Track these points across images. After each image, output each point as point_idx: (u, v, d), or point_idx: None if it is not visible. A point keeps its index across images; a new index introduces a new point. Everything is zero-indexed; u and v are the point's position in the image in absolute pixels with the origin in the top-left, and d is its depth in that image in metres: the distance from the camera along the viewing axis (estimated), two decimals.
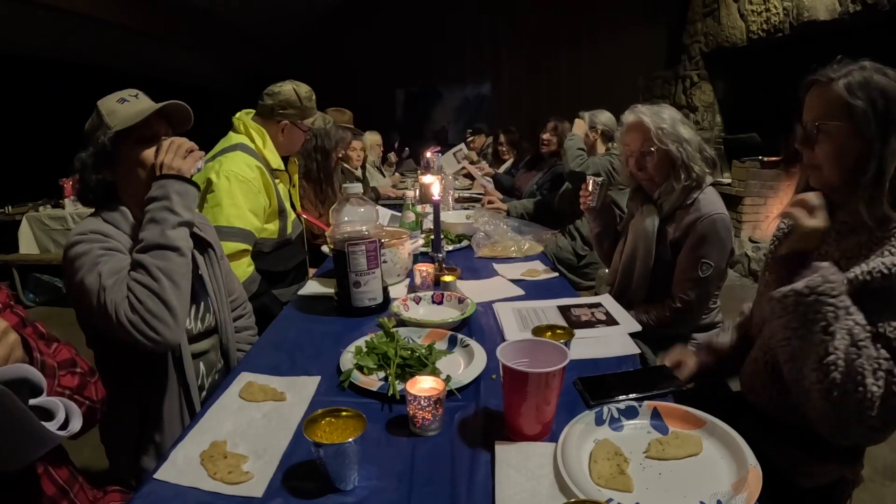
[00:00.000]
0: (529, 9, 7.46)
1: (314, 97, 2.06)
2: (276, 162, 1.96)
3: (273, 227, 1.96)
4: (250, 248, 1.82)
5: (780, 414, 1.15)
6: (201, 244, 1.39)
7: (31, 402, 0.77)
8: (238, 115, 1.99)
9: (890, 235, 0.97)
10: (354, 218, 1.47)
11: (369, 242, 1.44)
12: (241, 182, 1.78)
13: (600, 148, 3.09)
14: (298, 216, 2.21)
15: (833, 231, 1.08)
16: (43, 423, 0.74)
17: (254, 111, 2.02)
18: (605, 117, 3.11)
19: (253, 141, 1.92)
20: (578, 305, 1.50)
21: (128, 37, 5.50)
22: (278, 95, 1.97)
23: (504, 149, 4.99)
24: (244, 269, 1.79)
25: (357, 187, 1.50)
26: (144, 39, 5.73)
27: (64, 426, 0.77)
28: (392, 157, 5.77)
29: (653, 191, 1.73)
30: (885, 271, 0.93)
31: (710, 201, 1.64)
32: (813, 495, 1.14)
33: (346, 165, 3.69)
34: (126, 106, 1.23)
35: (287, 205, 2.02)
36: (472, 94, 8.21)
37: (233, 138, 1.93)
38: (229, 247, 1.70)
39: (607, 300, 1.54)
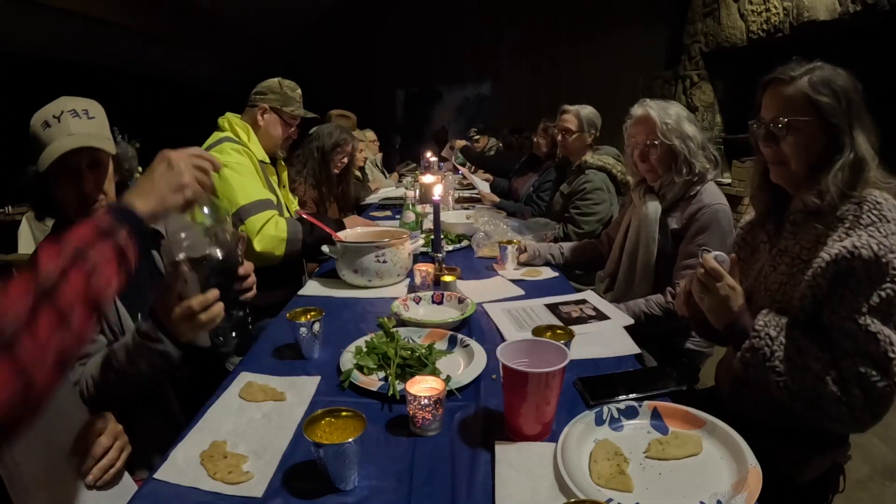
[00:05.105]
0: (529, 9, 7.45)
1: (300, 92, 2.17)
2: (261, 154, 2.07)
3: None
4: (276, 211, 1.93)
5: (771, 415, 1.13)
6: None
7: None
8: (224, 115, 2.10)
9: (843, 218, 1.03)
10: None
11: None
12: (239, 165, 1.93)
13: (585, 153, 2.68)
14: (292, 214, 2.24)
15: (788, 224, 1.15)
16: None
17: (239, 115, 2.14)
18: (592, 116, 2.70)
19: (238, 136, 2.03)
20: (565, 303, 1.54)
21: (129, 37, 5.50)
22: (262, 85, 2.12)
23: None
24: (280, 228, 1.87)
25: None
26: (146, 40, 5.73)
27: None
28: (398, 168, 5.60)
29: (654, 181, 1.75)
30: (848, 255, 0.96)
31: (712, 193, 1.66)
32: (808, 486, 1.13)
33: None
34: (47, 133, 1.15)
35: (274, 198, 2.07)
36: (472, 94, 8.21)
37: (218, 135, 2.04)
38: (259, 219, 1.84)
39: (591, 296, 1.58)
